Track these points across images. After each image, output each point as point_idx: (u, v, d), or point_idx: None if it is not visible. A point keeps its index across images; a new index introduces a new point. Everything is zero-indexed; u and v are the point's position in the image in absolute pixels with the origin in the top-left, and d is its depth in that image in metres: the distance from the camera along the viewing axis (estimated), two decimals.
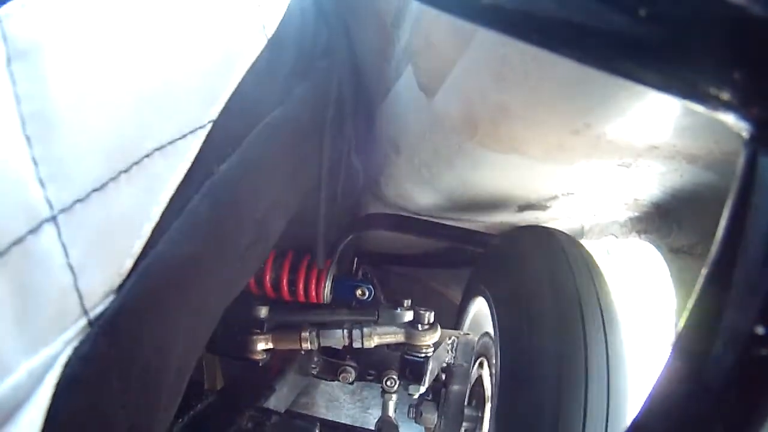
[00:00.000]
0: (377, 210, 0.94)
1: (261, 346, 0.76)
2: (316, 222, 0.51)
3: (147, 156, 0.27)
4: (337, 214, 0.69)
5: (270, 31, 0.37)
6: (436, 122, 0.54)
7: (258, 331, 0.76)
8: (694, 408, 0.17)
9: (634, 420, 0.19)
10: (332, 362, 0.85)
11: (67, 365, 0.24)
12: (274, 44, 0.37)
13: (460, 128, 0.52)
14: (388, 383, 0.79)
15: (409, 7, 0.52)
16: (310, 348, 0.76)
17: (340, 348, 0.78)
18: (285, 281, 0.74)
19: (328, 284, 0.75)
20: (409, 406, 0.83)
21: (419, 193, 0.77)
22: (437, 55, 0.48)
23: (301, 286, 0.74)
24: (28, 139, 0.22)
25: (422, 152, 0.64)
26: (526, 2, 0.17)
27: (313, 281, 0.74)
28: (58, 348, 0.24)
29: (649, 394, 0.19)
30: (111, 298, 0.26)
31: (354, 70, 0.66)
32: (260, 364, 0.78)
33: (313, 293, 0.74)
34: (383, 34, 0.60)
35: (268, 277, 0.74)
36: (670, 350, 0.18)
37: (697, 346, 0.17)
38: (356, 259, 0.95)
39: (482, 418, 0.77)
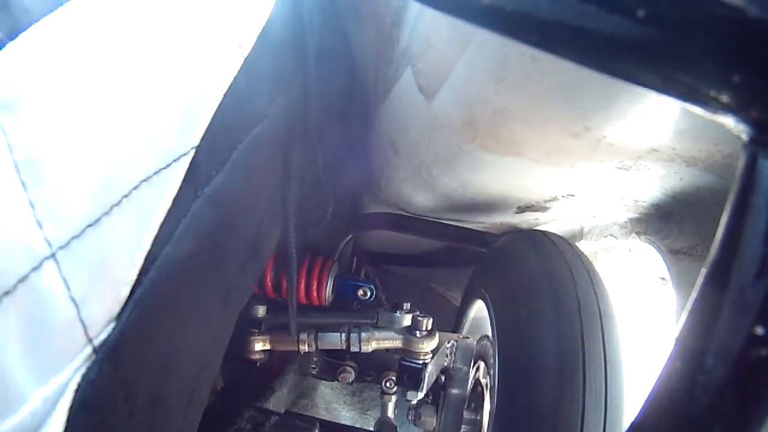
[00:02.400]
0: (377, 210, 0.94)
1: (258, 346, 0.76)
2: (286, 249, 0.49)
3: (135, 188, 0.28)
4: (304, 241, 0.68)
5: (246, 49, 0.37)
6: (436, 124, 0.54)
7: (255, 330, 0.76)
8: (693, 408, 0.17)
9: (634, 421, 0.19)
10: (332, 362, 0.85)
11: (77, 391, 0.25)
12: (252, 62, 0.38)
13: (460, 130, 0.52)
14: (387, 384, 0.79)
15: (409, 7, 0.52)
16: (308, 350, 0.76)
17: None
18: (286, 282, 0.74)
19: (330, 284, 0.75)
20: (408, 409, 0.82)
21: (419, 194, 0.77)
22: (436, 56, 0.48)
23: (302, 287, 0.74)
24: (23, 184, 0.24)
25: (422, 154, 0.64)
26: (526, 3, 0.17)
27: (315, 282, 0.74)
28: (68, 376, 0.25)
29: (649, 394, 0.19)
30: (112, 325, 0.27)
31: (350, 74, 0.65)
32: (258, 364, 0.78)
33: (315, 294, 0.74)
34: (383, 35, 0.60)
35: (268, 278, 0.74)
36: (670, 350, 0.18)
37: (696, 346, 0.17)
38: (356, 258, 0.95)
39: (481, 421, 0.77)
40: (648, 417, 0.19)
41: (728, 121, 0.16)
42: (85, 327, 0.26)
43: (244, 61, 0.37)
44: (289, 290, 0.62)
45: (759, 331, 0.15)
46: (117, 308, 0.28)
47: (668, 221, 0.64)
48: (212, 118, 0.34)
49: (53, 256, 0.24)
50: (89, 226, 0.26)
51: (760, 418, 0.16)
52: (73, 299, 0.25)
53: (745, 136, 0.16)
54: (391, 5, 0.56)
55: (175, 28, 0.32)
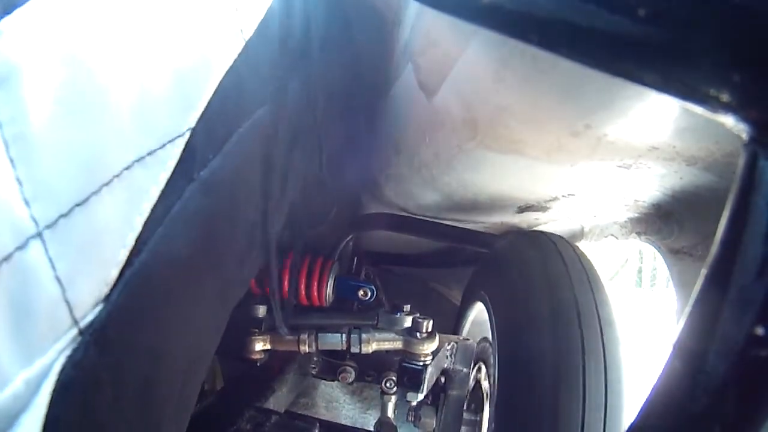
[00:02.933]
0: (377, 210, 0.94)
1: (259, 346, 0.76)
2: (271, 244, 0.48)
3: (127, 168, 0.28)
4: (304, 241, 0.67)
5: (248, 33, 0.37)
6: (436, 122, 0.54)
7: (256, 330, 0.76)
8: (693, 408, 0.17)
9: (634, 421, 0.19)
10: (332, 362, 0.85)
11: (62, 373, 0.25)
12: (253, 47, 0.37)
13: (460, 129, 0.52)
14: (387, 384, 0.79)
15: (410, 4, 0.52)
16: (308, 351, 0.76)
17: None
18: (286, 282, 0.74)
19: (330, 285, 0.75)
20: (408, 410, 0.83)
21: (419, 193, 0.77)
22: (437, 54, 0.48)
23: (302, 287, 0.74)
24: (12, 161, 0.23)
25: (422, 152, 0.64)
26: (526, 3, 0.17)
27: (315, 282, 0.74)
28: (52, 357, 0.25)
29: (649, 395, 0.19)
30: (100, 307, 0.27)
31: (352, 69, 0.65)
32: (258, 364, 0.78)
33: (315, 294, 0.74)
34: (384, 31, 0.60)
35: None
36: (670, 350, 0.18)
37: (696, 346, 0.17)
38: (356, 258, 0.95)
39: (481, 422, 0.77)
40: (648, 417, 0.19)
41: (728, 120, 0.16)
42: (70, 308, 0.25)
43: (245, 45, 0.36)
44: (271, 284, 0.61)
45: (759, 331, 0.15)
46: (105, 290, 0.27)
47: (668, 221, 0.64)
48: (210, 100, 0.33)
49: (40, 235, 0.24)
50: (77, 205, 0.25)
51: (760, 418, 0.16)
52: (58, 279, 0.24)
53: (745, 136, 0.16)
54: (392, 2, 0.56)
55: (173, 10, 0.31)
